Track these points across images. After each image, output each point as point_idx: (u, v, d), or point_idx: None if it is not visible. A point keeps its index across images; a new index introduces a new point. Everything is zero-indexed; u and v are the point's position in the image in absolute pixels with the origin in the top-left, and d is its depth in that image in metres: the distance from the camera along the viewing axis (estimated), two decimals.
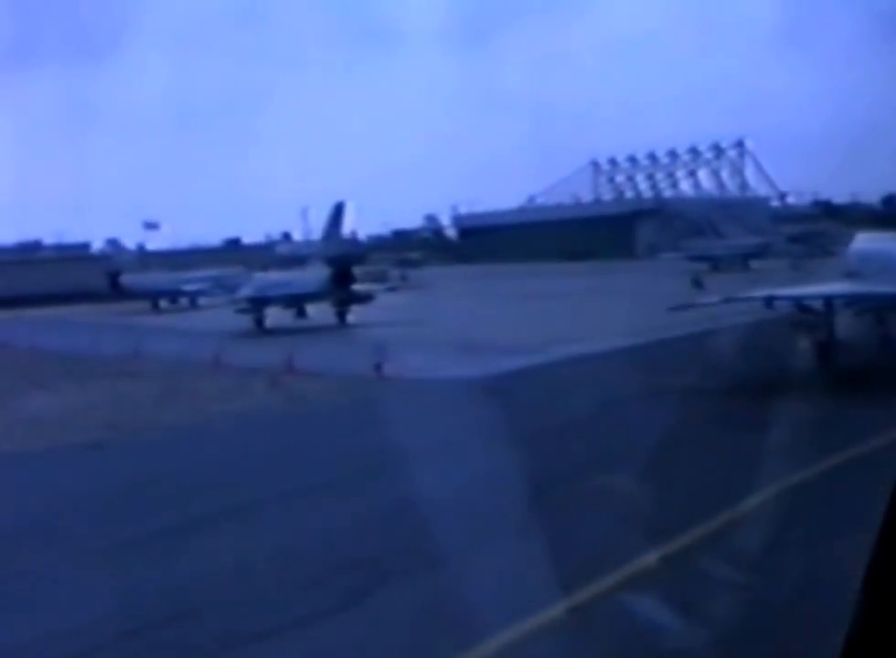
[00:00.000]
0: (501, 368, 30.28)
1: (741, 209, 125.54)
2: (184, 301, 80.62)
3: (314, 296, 53.69)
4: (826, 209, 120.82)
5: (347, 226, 62.35)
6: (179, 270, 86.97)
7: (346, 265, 54.81)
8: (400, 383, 29.86)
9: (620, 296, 54.15)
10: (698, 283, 55.96)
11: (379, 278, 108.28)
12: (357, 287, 54.67)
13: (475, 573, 11.29)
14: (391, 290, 61.75)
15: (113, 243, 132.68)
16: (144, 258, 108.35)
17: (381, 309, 52.27)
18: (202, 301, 76.80)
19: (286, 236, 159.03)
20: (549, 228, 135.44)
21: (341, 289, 53.57)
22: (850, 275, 28.81)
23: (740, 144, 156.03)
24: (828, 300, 27.19)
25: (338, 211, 60.66)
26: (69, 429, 23.98)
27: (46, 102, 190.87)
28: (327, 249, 59.03)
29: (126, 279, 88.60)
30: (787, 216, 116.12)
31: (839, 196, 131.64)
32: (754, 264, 79.67)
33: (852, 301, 27.34)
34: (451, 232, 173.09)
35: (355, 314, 53.01)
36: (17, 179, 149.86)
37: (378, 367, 31.22)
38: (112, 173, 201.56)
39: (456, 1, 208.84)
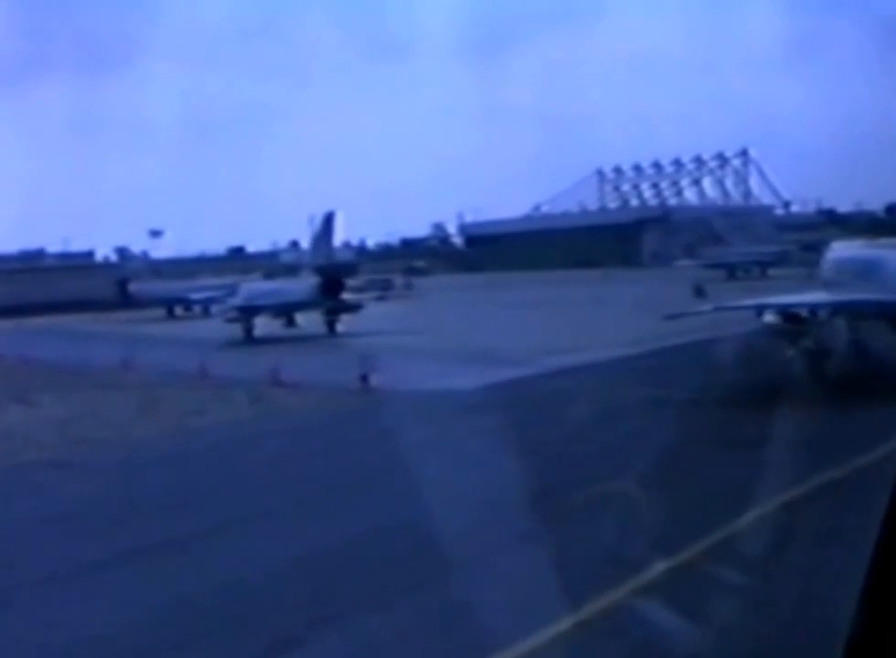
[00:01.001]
0: (485, 380, 29.86)
1: (746, 218, 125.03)
2: (196, 308, 79.64)
3: (302, 305, 53.77)
4: (831, 218, 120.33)
5: (338, 236, 62.37)
6: (187, 279, 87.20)
7: (334, 275, 54.94)
8: (383, 395, 29.45)
9: (619, 305, 54.09)
10: (700, 292, 54.82)
11: (385, 286, 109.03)
12: (346, 296, 54.65)
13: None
14: (381, 299, 61.99)
15: (122, 252, 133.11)
16: (154, 266, 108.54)
17: (371, 319, 52.15)
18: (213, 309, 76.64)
19: (294, 244, 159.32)
20: (554, 236, 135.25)
21: (330, 298, 53.63)
22: (827, 285, 28.91)
23: (744, 153, 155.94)
24: (809, 309, 27.15)
25: (328, 221, 60.41)
26: (36, 445, 23.53)
27: (53, 112, 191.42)
28: (316, 258, 59.12)
29: (135, 287, 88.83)
30: (791, 224, 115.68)
31: (843, 205, 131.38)
32: (772, 272, 79.44)
33: (832, 309, 27.18)
34: (458, 241, 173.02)
35: (344, 324, 53.02)
36: (23, 187, 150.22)
37: (364, 379, 30.77)
38: (117, 182, 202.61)
39: (462, 16, 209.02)
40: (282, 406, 28.98)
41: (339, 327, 52.96)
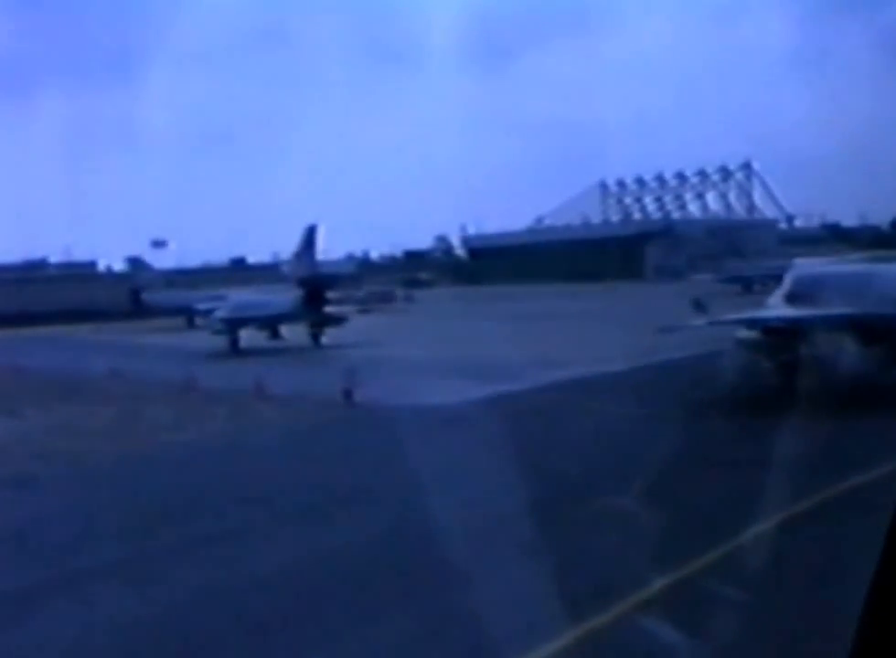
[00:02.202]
0: (464, 396, 29.48)
1: (749, 232, 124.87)
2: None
3: (285, 318, 54.71)
4: (835, 232, 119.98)
5: (320, 249, 63.80)
6: (197, 289, 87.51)
7: (316, 288, 55.77)
8: (364, 410, 29.22)
9: (616, 319, 53.81)
10: (699, 306, 54.17)
11: (386, 298, 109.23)
12: (329, 309, 55.49)
13: None
14: (364, 311, 62.47)
15: (135, 261, 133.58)
16: (168, 276, 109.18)
17: (357, 331, 52.55)
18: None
19: (298, 256, 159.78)
20: (557, 249, 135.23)
21: (312, 311, 54.51)
22: (793, 301, 29.12)
23: (747, 166, 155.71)
24: (782, 324, 27.64)
25: (310, 234, 61.82)
26: (4, 459, 23.32)
27: (57, 122, 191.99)
28: (299, 271, 60.05)
29: (148, 297, 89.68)
30: (795, 238, 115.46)
31: (847, 219, 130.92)
32: None
33: (804, 324, 27.52)
34: (461, 253, 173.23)
35: (329, 336, 53.76)
36: (26, 196, 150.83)
37: (347, 394, 30.50)
38: (120, 191, 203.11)
39: (464, 27, 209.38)
40: (265, 420, 28.74)
41: (324, 339, 53.77)
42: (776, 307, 29.68)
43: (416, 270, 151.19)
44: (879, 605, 2.77)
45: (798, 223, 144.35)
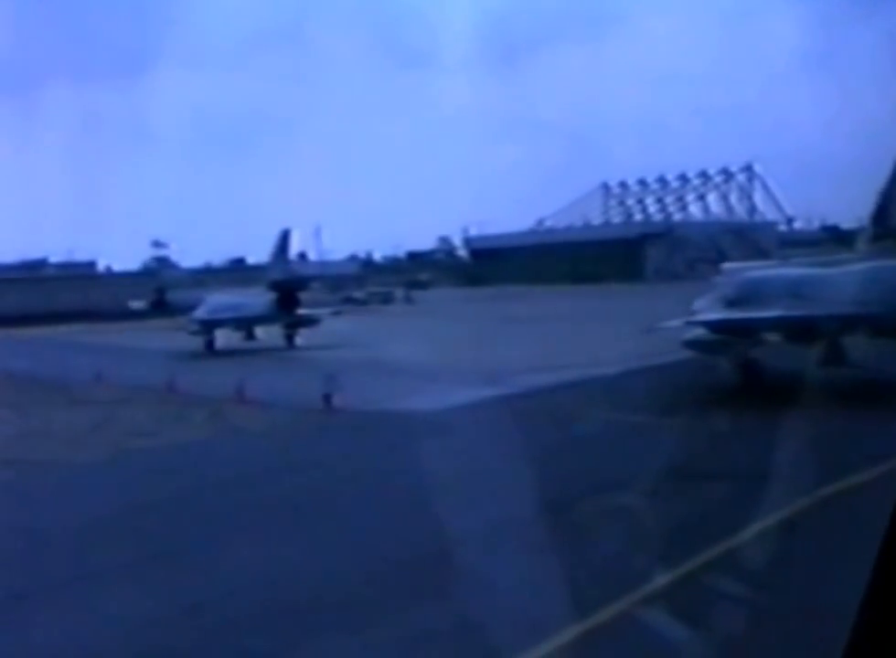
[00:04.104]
0: (435, 403, 29.47)
1: (750, 234, 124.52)
2: None
3: (259, 319, 56.13)
4: (834, 234, 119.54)
5: (293, 252, 65.92)
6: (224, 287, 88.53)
7: (288, 290, 56.99)
8: (335, 414, 29.34)
9: (608, 321, 53.71)
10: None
11: (385, 298, 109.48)
12: (302, 311, 56.82)
13: None
14: (337, 314, 63.18)
15: (162, 261, 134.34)
16: (197, 274, 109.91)
17: (333, 333, 53.51)
18: None
19: (302, 256, 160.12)
20: (558, 250, 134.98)
21: (285, 313, 55.87)
22: (731, 303, 30.24)
23: (748, 169, 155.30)
24: (731, 325, 29.22)
25: (284, 238, 62.97)
26: None
27: (58, 121, 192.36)
28: (272, 274, 60.80)
29: (173, 296, 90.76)
30: (795, 240, 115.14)
31: (847, 222, 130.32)
32: None
33: (752, 325, 29.11)
34: (464, 254, 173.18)
35: (303, 337, 55.13)
36: (27, 197, 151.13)
37: (326, 398, 30.42)
38: (120, 191, 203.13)
39: (470, 29, 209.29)
40: (237, 424, 28.89)
41: (298, 340, 55.10)
42: (714, 310, 30.59)
43: (419, 271, 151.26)
44: (875, 602, 2.79)
45: (798, 225, 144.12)
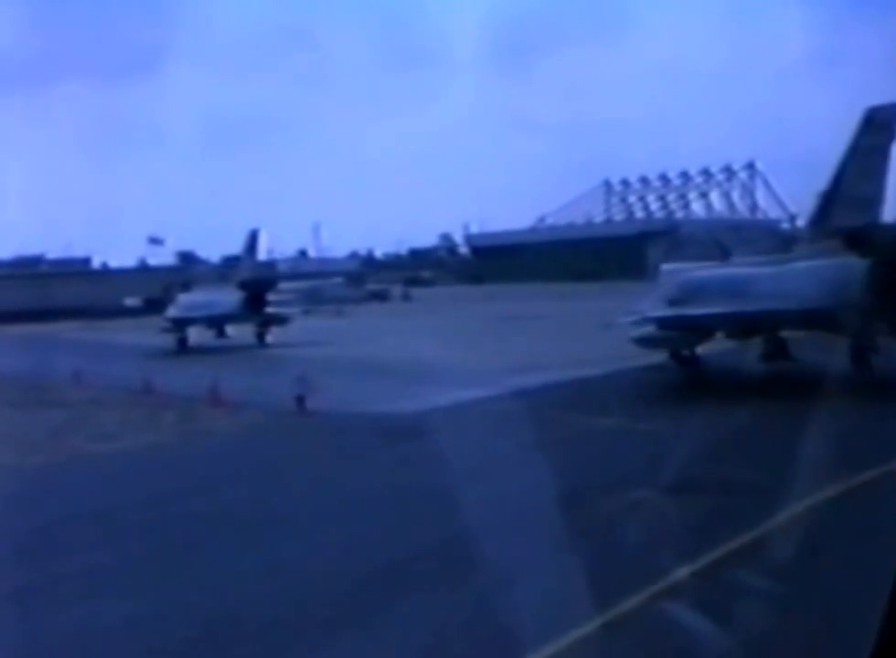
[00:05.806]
0: (407, 406, 28.77)
1: (752, 231, 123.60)
2: None
3: (228, 318, 57.30)
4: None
5: (261, 251, 65.62)
6: None
7: (256, 289, 57.79)
8: (299, 417, 29.05)
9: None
10: None
11: (382, 296, 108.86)
12: (270, 310, 57.93)
13: None
14: (305, 312, 64.24)
15: (187, 256, 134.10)
16: (223, 271, 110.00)
17: (306, 331, 54.79)
18: None
19: (303, 253, 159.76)
20: (559, 247, 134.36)
21: (254, 311, 56.90)
22: (673, 302, 31.27)
23: (751, 166, 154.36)
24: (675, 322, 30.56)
25: (253, 238, 63.58)
26: None
27: (58, 121, 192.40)
28: (241, 274, 61.27)
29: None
30: (798, 238, 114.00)
31: None
32: None
33: (695, 321, 30.26)
34: (465, 251, 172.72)
35: (274, 335, 56.66)
36: (26, 194, 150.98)
37: (300, 400, 29.86)
38: (115, 188, 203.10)
39: (473, 28, 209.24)
40: (206, 427, 28.41)
41: (269, 338, 56.56)
42: (657, 309, 31.39)
43: (420, 269, 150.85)
44: None
45: (800, 223, 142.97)
